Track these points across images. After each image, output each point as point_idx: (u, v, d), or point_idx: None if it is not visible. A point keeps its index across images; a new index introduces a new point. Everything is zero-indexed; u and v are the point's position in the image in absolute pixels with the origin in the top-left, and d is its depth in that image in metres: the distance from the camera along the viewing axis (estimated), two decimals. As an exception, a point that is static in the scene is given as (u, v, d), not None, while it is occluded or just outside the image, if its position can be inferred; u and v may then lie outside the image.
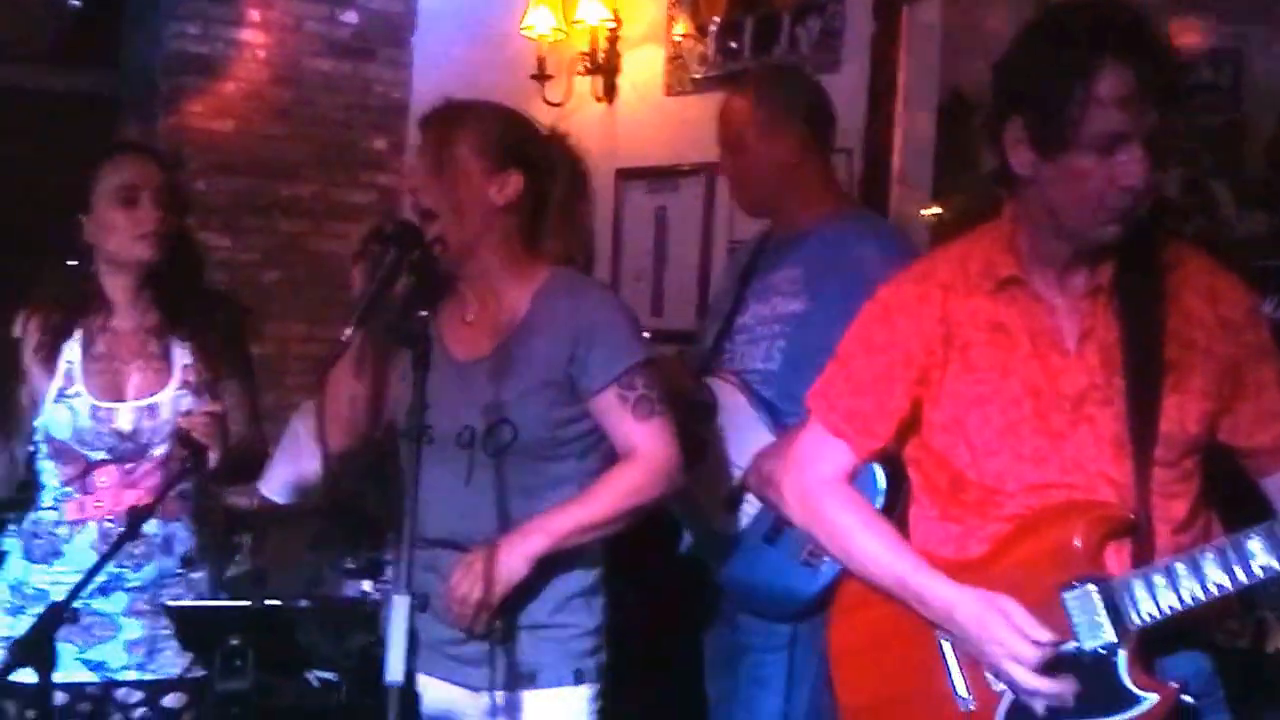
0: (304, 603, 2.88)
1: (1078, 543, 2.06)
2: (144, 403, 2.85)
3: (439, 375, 2.36)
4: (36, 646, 2.23)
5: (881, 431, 2.26)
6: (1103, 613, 2.04)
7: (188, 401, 2.85)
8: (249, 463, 3.06)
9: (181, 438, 2.68)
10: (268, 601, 2.66)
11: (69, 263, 2.90)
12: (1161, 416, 2.06)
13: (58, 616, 2.29)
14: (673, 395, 2.65)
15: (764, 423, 3.04)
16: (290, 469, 4.00)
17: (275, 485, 3.97)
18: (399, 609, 2.01)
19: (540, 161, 2.57)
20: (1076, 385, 2.10)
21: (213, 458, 2.66)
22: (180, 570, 2.88)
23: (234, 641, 2.43)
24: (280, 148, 5.89)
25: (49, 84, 5.66)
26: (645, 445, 2.50)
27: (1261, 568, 1.96)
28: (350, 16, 6.06)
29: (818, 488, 2.29)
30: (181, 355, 2.91)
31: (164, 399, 2.86)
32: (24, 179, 5.29)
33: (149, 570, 2.83)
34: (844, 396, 2.29)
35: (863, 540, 2.23)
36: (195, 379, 2.90)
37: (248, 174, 5.79)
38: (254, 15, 5.81)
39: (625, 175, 5.14)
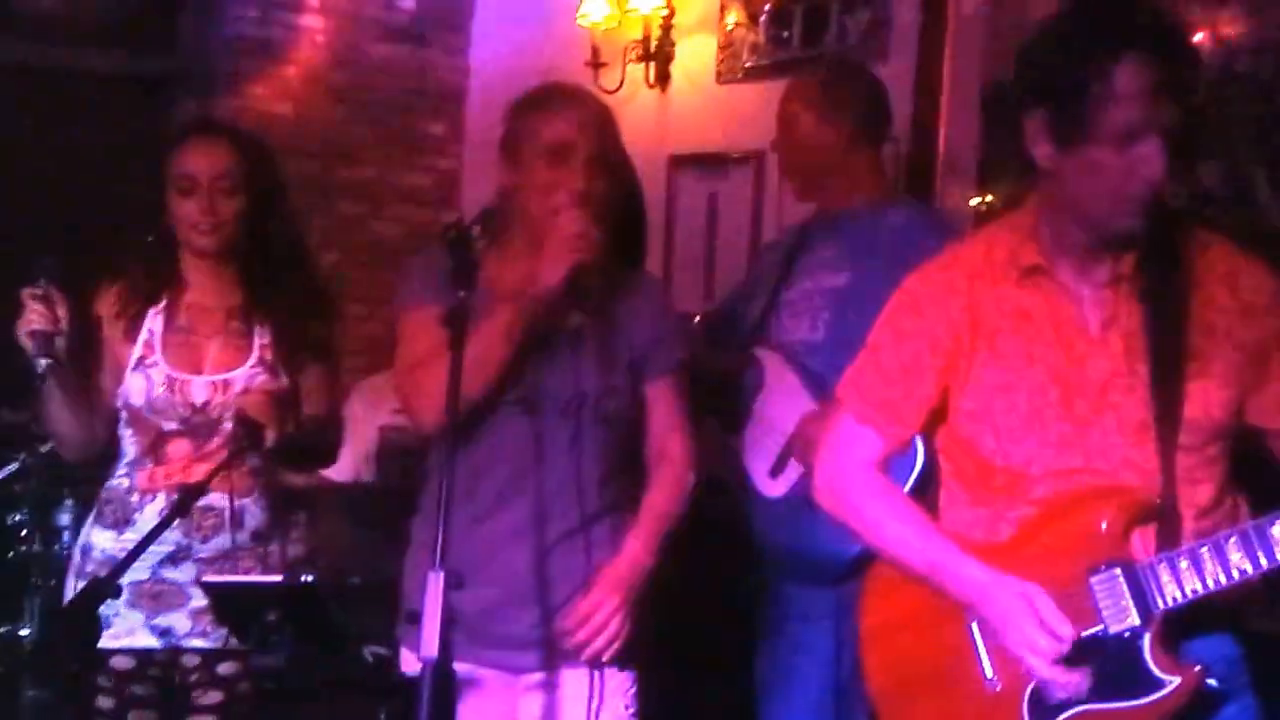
0: (355, 580, 2.94)
1: (1104, 527, 2.11)
2: (219, 377, 2.89)
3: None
4: (74, 617, 2.28)
5: (912, 420, 2.31)
6: (1128, 597, 2.08)
7: (261, 380, 2.89)
8: (320, 446, 3.08)
9: (238, 415, 2.74)
10: (304, 579, 2.72)
11: (149, 240, 2.95)
12: (1186, 402, 2.10)
13: (101, 591, 2.34)
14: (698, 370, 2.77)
15: (808, 391, 3.13)
16: (346, 449, 4.10)
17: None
18: (434, 586, 2.05)
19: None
20: (1101, 372, 2.14)
21: (270, 436, 2.70)
22: (252, 545, 2.91)
23: (270, 618, 2.50)
24: (339, 131, 5.97)
25: (105, 66, 5.69)
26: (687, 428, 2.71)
27: None
28: (408, 2, 6.12)
29: (848, 476, 2.35)
30: (261, 335, 2.95)
31: (239, 375, 2.90)
32: (81, 162, 5.37)
33: (218, 542, 2.88)
34: (874, 386, 2.33)
35: (893, 527, 2.28)
36: (272, 359, 2.93)
37: (307, 157, 5.86)
38: (313, 0, 5.90)
39: (677, 162, 5.20)
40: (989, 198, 4.26)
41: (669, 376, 2.68)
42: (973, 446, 2.25)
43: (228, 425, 2.85)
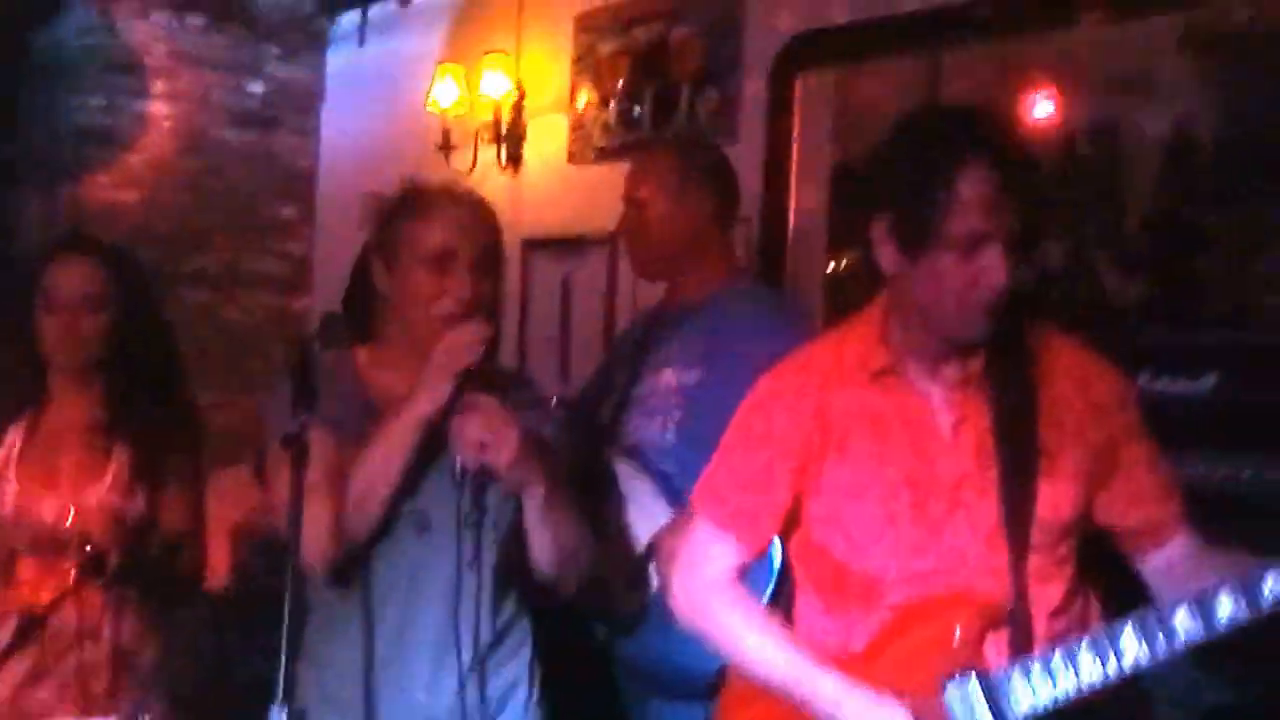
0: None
1: (957, 635, 2.08)
2: (72, 498, 2.82)
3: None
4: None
5: (767, 527, 2.27)
6: (983, 706, 2.04)
7: (114, 503, 2.82)
8: (173, 571, 2.94)
9: (81, 541, 2.68)
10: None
11: (13, 354, 2.90)
12: (1037, 502, 2.09)
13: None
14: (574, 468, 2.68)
15: (663, 497, 3.06)
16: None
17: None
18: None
19: None
20: (952, 473, 2.13)
21: (113, 563, 2.66)
22: (109, 660, 2.81)
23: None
24: (187, 218, 5.88)
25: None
26: None
27: (1134, 660, 2.00)
28: (257, 86, 6.08)
29: (705, 589, 2.28)
30: (120, 454, 2.87)
31: (93, 497, 2.83)
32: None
33: (73, 660, 2.79)
34: (729, 492, 2.28)
35: (751, 639, 2.22)
36: (129, 480, 2.85)
37: (154, 245, 5.76)
38: (159, 86, 5.80)
39: (531, 245, 5.18)
40: (844, 260, 4.26)
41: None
42: (825, 552, 2.22)
43: (78, 546, 2.77)
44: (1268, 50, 3.35)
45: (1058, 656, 2.03)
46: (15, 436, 2.86)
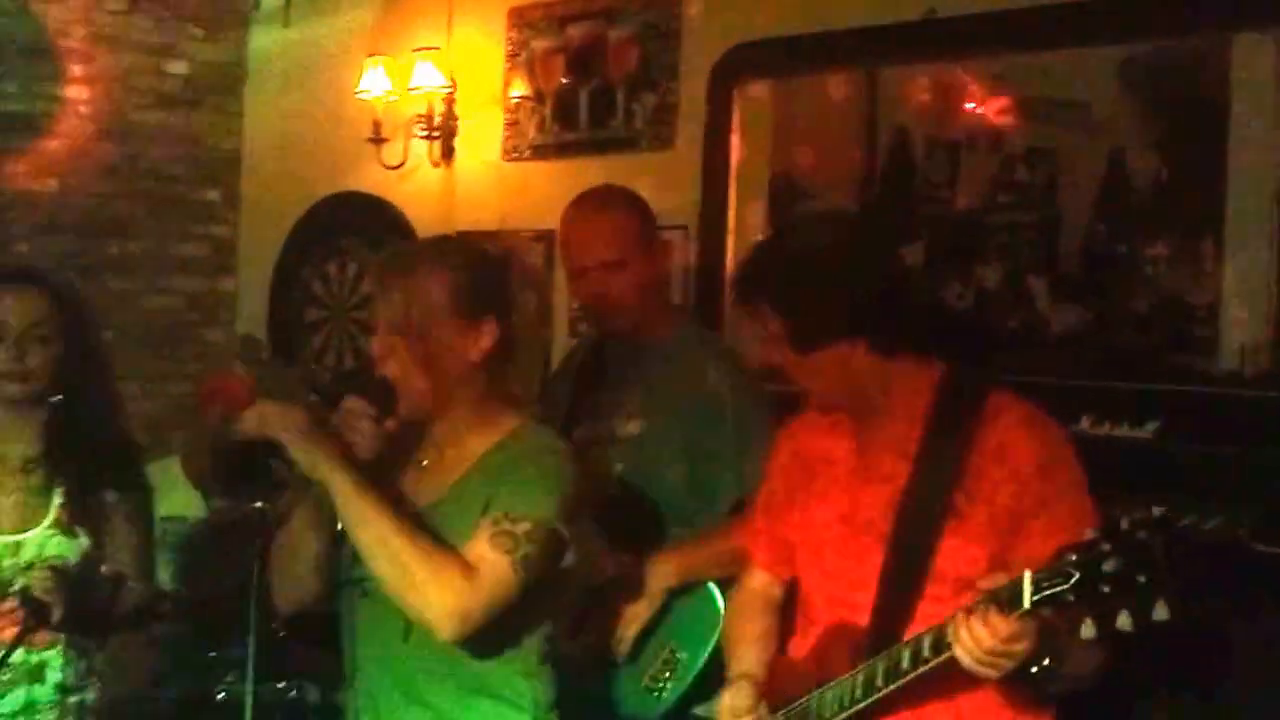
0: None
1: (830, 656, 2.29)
2: (10, 538, 2.77)
3: None
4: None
5: (785, 555, 2.47)
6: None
7: (55, 543, 2.77)
8: (121, 609, 2.87)
9: (23, 594, 2.63)
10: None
11: None
12: (938, 556, 2.22)
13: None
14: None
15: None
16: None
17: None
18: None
19: (509, 303, 2.37)
20: (866, 517, 2.29)
21: (56, 615, 2.60)
22: (56, 698, 2.80)
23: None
24: (108, 204, 5.78)
25: None
26: (479, 570, 2.23)
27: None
28: (178, 67, 5.96)
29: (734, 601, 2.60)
30: (60, 493, 2.82)
31: (32, 538, 2.78)
32: None
33: (15, 698, 2.76)
34: (754, 519, 2.56)
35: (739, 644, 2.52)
36: (69, 520, 2.80)
37: (74, 233, 5.66)
38: (76, 70, 5.66)
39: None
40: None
41: (496, 515, 2.28)
42: (799, 577, 2.46)
43: (18, 585, 2.71)
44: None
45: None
46: None
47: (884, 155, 4.15)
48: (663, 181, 4.41)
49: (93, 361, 2.92)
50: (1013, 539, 2.22)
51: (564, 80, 4.91)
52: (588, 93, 4.83)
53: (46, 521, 2.80)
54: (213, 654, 3.94)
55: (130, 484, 2.92)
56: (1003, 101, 3.76)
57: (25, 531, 2.79)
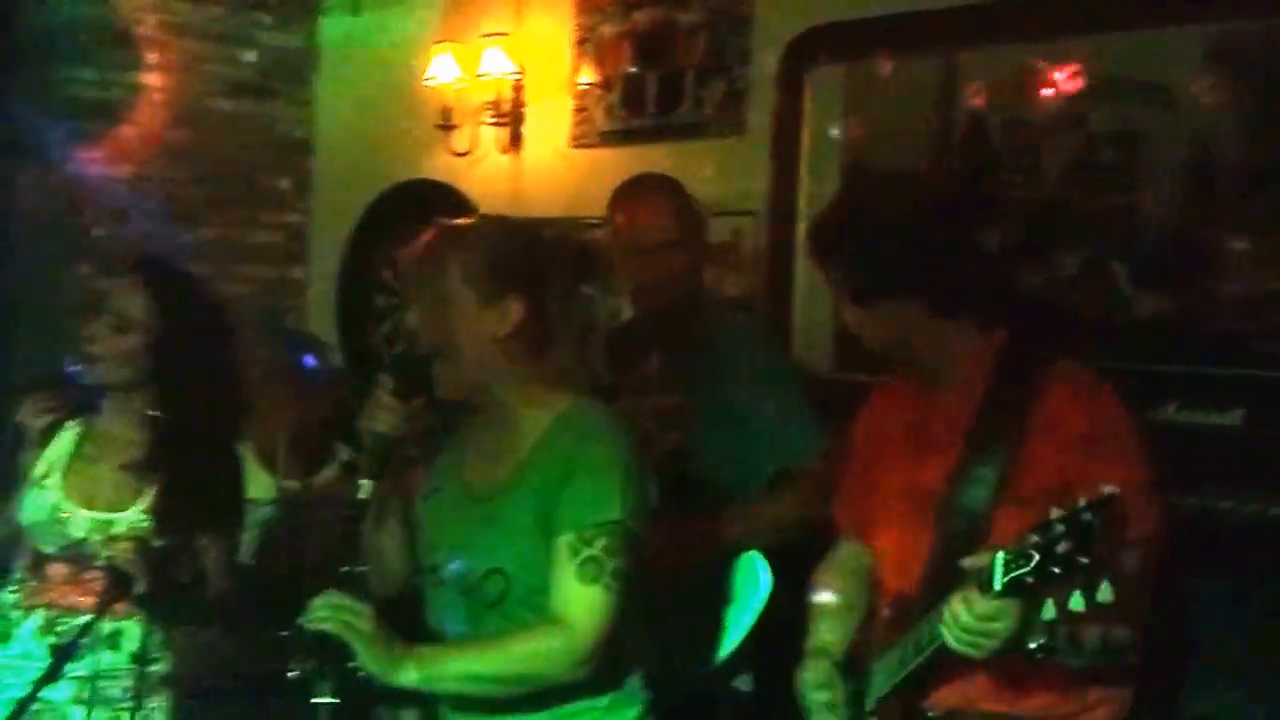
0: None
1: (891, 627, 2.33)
2: (103, 516, 2.82)
3: (456, 511, 2.36)
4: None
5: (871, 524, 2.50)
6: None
7: (146, 529, 2.79)
8: (201, 598, 2.89)
9: (108, 564, 2.67)
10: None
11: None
12: (991, 526, 2.21)
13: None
14: None
15: None
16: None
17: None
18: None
19: (537, 277, 2.35)
20: (927, 488, 2.30)
21: (139, 587, 2.64)
22: (129, 666, 2.82)
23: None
24: (181, 191, 5.78)
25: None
26: (574, 614, 2.20)
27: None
28: (250, 56, 5.97)
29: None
30: (157, 483, 2.84)
31: (124, 518, 2.83)
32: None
33: (89, 662, 2.79)
34: (843, 491, 2.61)
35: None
36: (162, 512, 2.82)
37: (147, 220, 5.68)
38: (151, 58, 5.69)
39: (532, 228, 5.12)
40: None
41: (569, 535, 2.23)
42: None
43: (103, 557, 2.76)
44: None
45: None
46: (64, 442, 2.88)
47: (960, 140, 4.08)
48: (731, 167, 4.40)
49: (194, 356, 2.86)
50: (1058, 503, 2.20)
51: (632, 67, 4.87)
52: (656, 78, 4.79)
53: (141, 506, 2.85)
54: (284, 634, 3.95)
55: (227, 494, 2.94)
56: (1082, 83, 3.67)
57: (120, 511, 2.84)
